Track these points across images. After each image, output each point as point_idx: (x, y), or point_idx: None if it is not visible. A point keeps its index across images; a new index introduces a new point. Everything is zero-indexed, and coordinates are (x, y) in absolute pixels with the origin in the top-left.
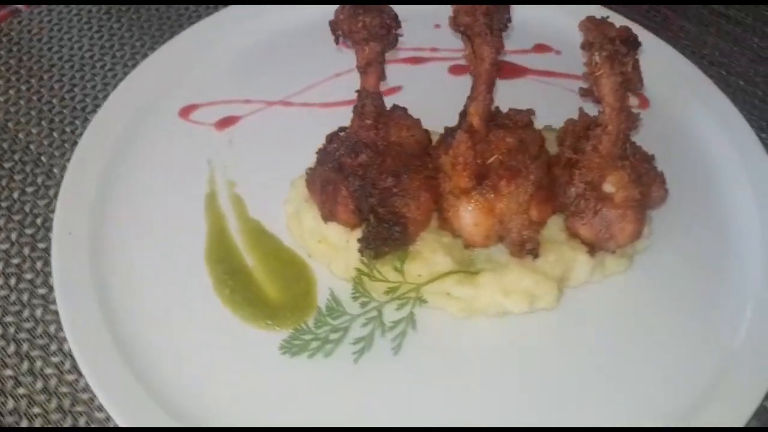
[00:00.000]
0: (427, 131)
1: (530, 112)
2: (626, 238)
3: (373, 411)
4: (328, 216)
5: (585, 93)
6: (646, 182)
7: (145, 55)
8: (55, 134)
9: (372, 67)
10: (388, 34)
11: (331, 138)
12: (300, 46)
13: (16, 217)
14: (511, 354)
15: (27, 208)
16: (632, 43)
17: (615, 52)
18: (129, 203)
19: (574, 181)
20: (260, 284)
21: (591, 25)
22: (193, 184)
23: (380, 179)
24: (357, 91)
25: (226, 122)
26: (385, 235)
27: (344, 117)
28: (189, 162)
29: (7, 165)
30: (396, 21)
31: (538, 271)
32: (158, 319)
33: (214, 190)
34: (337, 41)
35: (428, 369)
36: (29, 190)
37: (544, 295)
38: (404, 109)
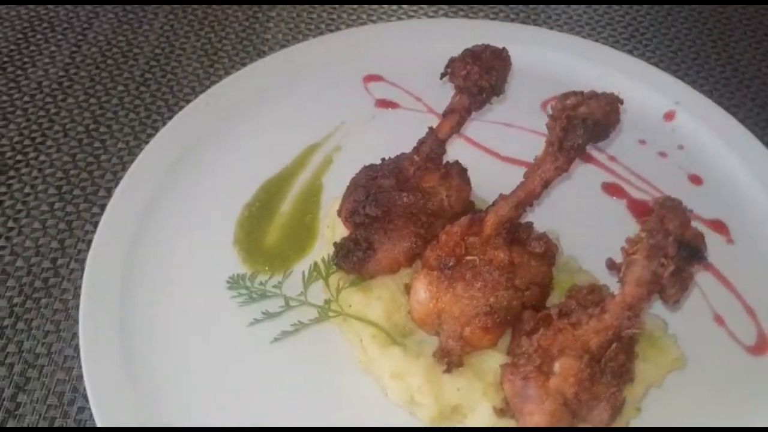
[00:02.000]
0: (471, 202)
1: (553, 248)
2: (529, 422)
3: None
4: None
5: (611, 266)
6: (595, 396)
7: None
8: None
9: (451, 116)
10: (480, 94)
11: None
12: None
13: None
14: None
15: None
16: (689, 252)
17: (660, 248)
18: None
19: (533, 335)
20: (272, 226)
21: (662, 205)
22: None
23: (381, 207)
24: (429, 128)
25: None
26: (346, 252)
27: None
28: None
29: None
30: (496, 87)
31: (435, 380)
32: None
33: None
34: (441, 76)
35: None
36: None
37: (421, 401)
38: (463, 170)
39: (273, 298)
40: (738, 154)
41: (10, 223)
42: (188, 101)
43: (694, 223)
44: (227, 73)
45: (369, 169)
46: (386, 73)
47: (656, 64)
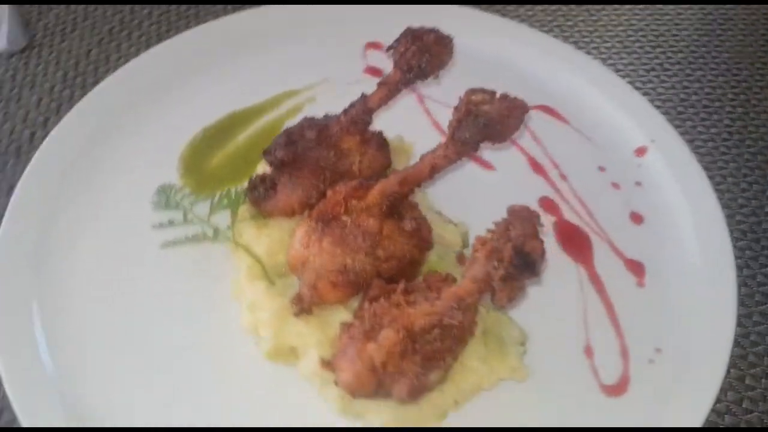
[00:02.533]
0: (385, 174)
1: (426, 231)
2: (339, 377)
3: None
4: None
5: (460, 260)
6: (401, 371)
7: None
8: None
9: (383, 87)
10: (408, 72)
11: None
12: None
13: None
14: None
15: None
16: (523, 262)
17: (498, 251)
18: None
19: (373, 303)
20: (221, 152)
21: (513, 212)
22: None
23: (292, 153)
24: (362, 94)
25: None
26: (252, 187)
27: None
28: None
29: None
30: (424, 70)
31: (281, 320)
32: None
33: None
34: (387, 49)
35: None
36: None
37: (262, 334)
38: (384, 142)
39: (180, 212)
40: (691, 205)
41: None
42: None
43: (613, 260)
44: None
45: (307, 120)
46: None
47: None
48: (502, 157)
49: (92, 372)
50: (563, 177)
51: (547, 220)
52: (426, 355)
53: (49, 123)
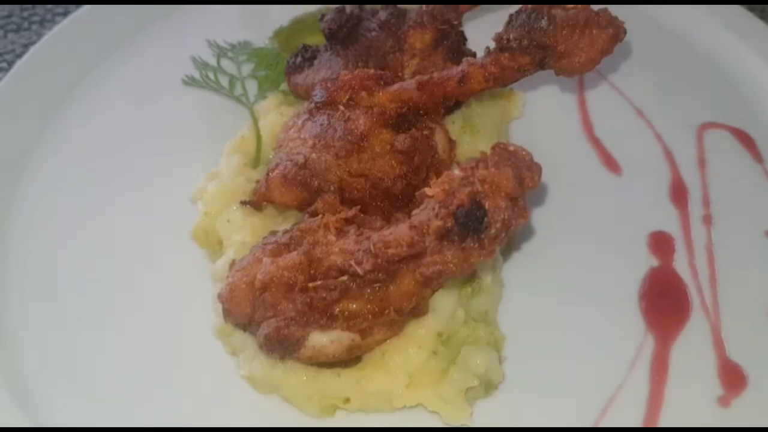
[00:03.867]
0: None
1: (418, 156)
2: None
3: None
4: None
5: (421, 197)
6: (277, 307)
7: None
8: None
9: None
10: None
11: None
12: None
13: None
14: None
15: None
16: (464, 221)
17: (450, 195)
18: None
19: (308, 219)
20: None
21: (498, 151)
22: None
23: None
24: None
25: None
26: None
27: None
28: None
29: None
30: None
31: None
32: None
33: None
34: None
35: None
36: None
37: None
38: (459, 47)
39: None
40: None
41: None
42: None
43: (705, 353)
44: None
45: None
46: None
47: None
48: (636, 157)
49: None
50: (707, 220)
51: (645, 262)
52: (312, 303)
53: None
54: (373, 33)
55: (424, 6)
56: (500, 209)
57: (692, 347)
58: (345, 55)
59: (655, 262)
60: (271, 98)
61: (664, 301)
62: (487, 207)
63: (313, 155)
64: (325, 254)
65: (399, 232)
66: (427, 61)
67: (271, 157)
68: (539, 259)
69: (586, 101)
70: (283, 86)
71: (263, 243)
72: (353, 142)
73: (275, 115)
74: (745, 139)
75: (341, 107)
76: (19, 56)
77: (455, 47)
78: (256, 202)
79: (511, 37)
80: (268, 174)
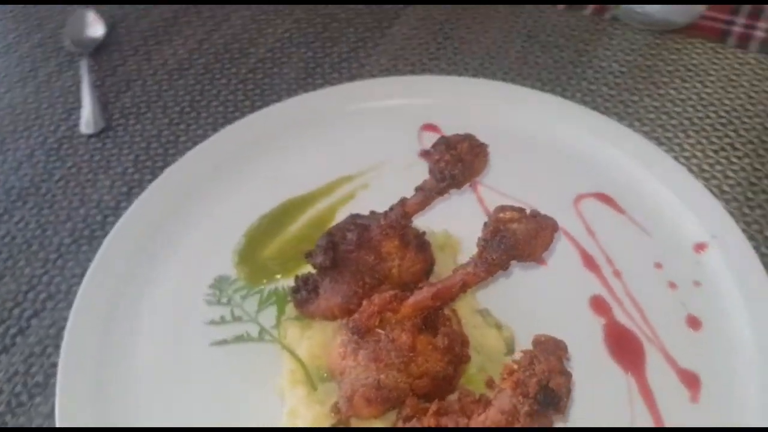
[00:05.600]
0: (424, 277)
1: (457, 347)
2: None
3: None
4: None
5: (489, 384)
6: None
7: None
8: None
9: (419, 193)
10: (442, 181)
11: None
12: None
13: None
14: None
15: None
16: (548, 398)
17: (523, 384)
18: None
19: (407, 422)
20: (275, 241)
21: (538, 343)
22: None
23: (331, 258)
24: (401, 198)
25: None
26: (296, 289)
27: None
28: None
29: None
30: (456, 179)
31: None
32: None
33: None
34: (421, 153)
35: None
36: None
37: None
38: (425, 244)
39: (234, 307)
40: (751, 312)
41: None
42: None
43: (666, 370)
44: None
45: (352, 217)
46: (443, 126)
47: (721, 150)
48: (554, 250)
49: None
50: (617, 274)
51: (597, 322)
52: None
53: (120, 207)
54: (354, 254)
55: (381, 220)
56: (563, 384)
57: (656, 370)
58: (343, 279)
59: (602, 320)
60: (290, 329)
61: (624, 347)
62: (554, 386)
63: (382, 376)
64: None
65: (494, 417)
66: (404, 259)
67: (324, 376)
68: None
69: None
70: (289, 312)
71: None
72: (406, 355)
73: (308, 342)
74: (606, 198)
75: (381, 332)
76: None
77: (418, 239)
78: (345, 422)
79: (494, 257)
80: (349, 399)
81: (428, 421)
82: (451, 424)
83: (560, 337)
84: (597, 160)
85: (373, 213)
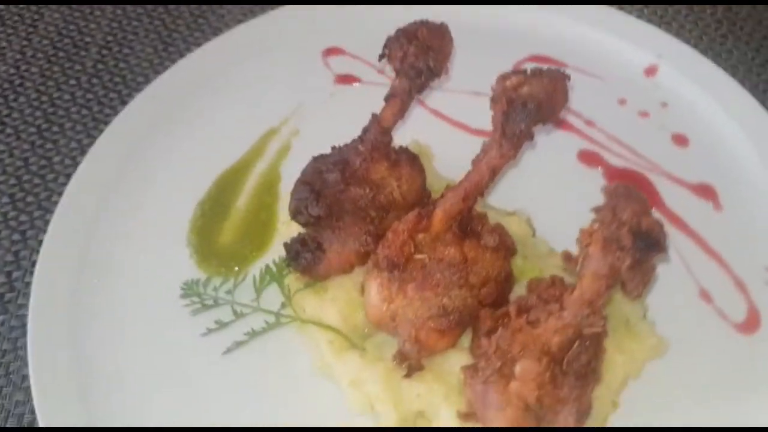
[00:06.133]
0: (426, 190)
1: (509, 240)
2: (490, 423)
3: None
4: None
5: (568, 259)
6: (559, 400)
7: None
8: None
9: (393, 101)
10: (418, 77)
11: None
12: None
13: None
14: None
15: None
16: (646, 243)
17: (614, 239)
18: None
19: (491, 336)
20: (227, 224)
21: (613, 193)
22: None
23: (325, 205)
24: (372, 115)
25: None
26: (295, 254)
27: None
28: None
29: None
30: (435, 68)
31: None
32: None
33: None
34: (380, 58)
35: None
36: None
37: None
38: (414, 157)
39: (225, 306)
40: (726, 110)
41: None
42: (141, 90)
43: (680, 191)
44: (181, 56)
45: (317, 160)
46: (347, 45)
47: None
48: None
49: None
50: (590, 124)
51: (595, 173)
52: (578, 374)
53: None
54: (345, 194)
55: (360, 146)
56: (655, 223)
57: (671, 195)
58: (345, 224)
59: (599, 170)
60: (306, 300)
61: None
62: (648, 228)
63: (444, 300)
64: (548, 342)
65: (591, 286)
66: (401, 179)
67: (365, 332)
68: None
69: None
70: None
71: (482, 381)
72: (462, 268)
73: (332, 306)
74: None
75: (421, 256)
76: None
77: (405, 153)
78: (417, 366)
79: (522, 128)
80: (416, 339)
81: (517, 323)
82: (543, 317)
83: (566, 200)
84: (525, 28)
85: (335, 148)
